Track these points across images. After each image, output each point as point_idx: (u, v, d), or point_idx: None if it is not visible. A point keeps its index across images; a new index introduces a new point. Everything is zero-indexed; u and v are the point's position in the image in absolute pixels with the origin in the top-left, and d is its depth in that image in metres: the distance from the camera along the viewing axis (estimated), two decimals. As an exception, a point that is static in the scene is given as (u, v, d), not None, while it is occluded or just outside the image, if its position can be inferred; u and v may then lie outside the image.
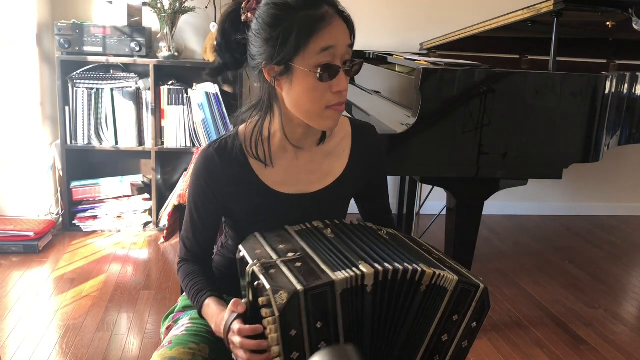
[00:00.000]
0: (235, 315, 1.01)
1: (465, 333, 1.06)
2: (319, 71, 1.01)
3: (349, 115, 2.38)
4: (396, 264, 0.99)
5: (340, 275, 0.95)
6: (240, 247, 1.07)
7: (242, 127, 1.17)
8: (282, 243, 1.06)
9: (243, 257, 1.05)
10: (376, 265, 0.97)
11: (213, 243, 1.25)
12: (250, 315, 1.00)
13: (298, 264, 0.98)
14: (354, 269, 0.96)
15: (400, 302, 1.00)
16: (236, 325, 0.99)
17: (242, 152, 1.14)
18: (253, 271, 0.98)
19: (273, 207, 1.16)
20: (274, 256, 1.01)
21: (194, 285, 1.17)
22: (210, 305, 1.11)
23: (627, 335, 2.41)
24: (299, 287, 0.92)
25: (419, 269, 0.99)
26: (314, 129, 1.12)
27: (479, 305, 1.05)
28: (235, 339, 0.99)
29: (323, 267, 0.97)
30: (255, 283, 0.97)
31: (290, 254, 1.01)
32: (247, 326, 0.98)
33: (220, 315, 1.07)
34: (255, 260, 0.99)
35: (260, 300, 0.95)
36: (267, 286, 0.93)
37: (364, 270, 0.96)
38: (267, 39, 1.03)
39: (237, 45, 1.09)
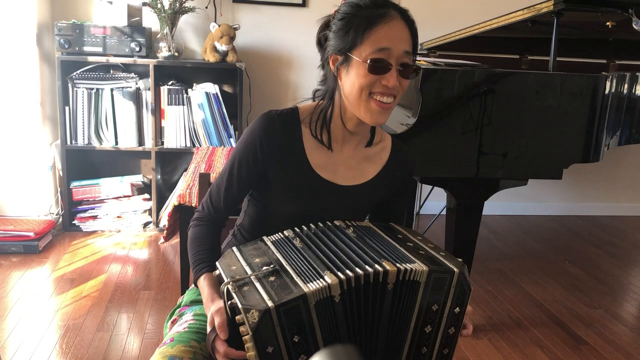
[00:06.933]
0: (217, 333, 1.02)
1: (450, 320, 1.05)
2: (369, 62, 1.10)
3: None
4: (358, 269, 0.97)
5: (312, 286, 0.93)
6: (217, 264, 1.08)
7: (302, 106, 1.26)
8: (258, 256, 1.06)
9: (219, 275, 1.05)
10: (339, 273, 0.96)
11: (233, 207, 1.28)
12: (232, 332, 1.00)
13: (272, 278, 0.97)
14: (321, 280, 0.95)
15: (369, 306, 0.99)
16: (222, 347, 1.00)
17: (299, 126, 1.23)
18: (227, 290, 0.97)
19: (305, 186, 1.22)
20: (249, 271, 1.01)
21: (197, 253, 1.21)
22: (205, 281, 1.15)
23: (627, 335, 2.41)
24: (270, 303, 0.91)
25: (381, 269, 0.97)
26: (364, 126, 1.21)
27: (458, 290, 1.03)
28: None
29: (296, 279, 0.96)
30: (229, 302, 0.97)
31: (265, 268, 1.00)
32: (234, 351, 0.99)
33: (210, 299, 1.09)
34: (230, 278, 0.99)
35: (237, 318, 0.94)
36: (240, 305, 0.93)
37: (329, 280, 0.94)
38: (335, 31, 1.16)
39: (323, 40, 1.23)
